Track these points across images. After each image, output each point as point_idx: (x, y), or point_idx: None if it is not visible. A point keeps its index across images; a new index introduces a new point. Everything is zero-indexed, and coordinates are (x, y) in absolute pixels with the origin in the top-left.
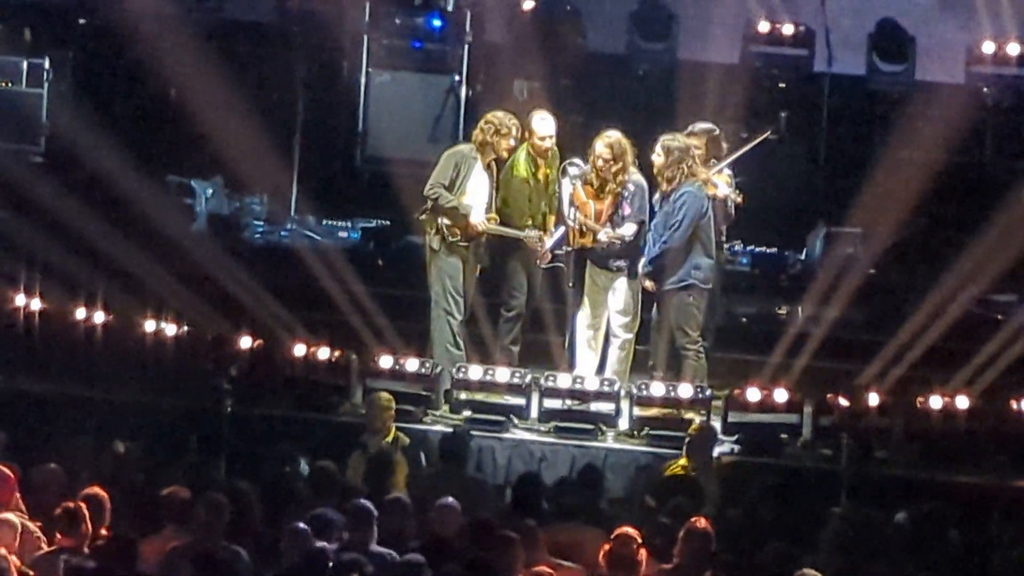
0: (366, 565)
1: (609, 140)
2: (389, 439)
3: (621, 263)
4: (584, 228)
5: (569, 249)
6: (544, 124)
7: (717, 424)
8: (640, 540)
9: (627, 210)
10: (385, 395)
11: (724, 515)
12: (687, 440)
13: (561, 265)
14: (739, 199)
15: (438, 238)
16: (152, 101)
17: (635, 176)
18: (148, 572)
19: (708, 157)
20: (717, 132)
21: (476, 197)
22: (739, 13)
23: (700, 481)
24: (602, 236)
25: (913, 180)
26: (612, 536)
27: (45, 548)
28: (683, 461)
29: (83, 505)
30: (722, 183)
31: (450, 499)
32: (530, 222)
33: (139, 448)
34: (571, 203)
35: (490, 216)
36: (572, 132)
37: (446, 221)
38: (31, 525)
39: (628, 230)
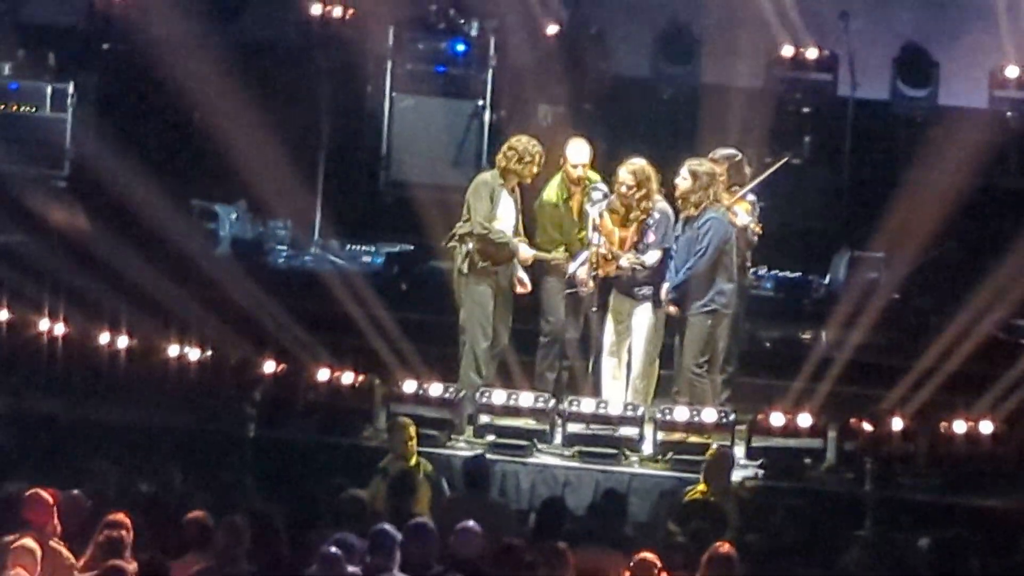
0: None
1: (633, 167)
2: (411, 464)
3: (645, 290)
4: (609, 255)
5: (595, 274)
6: (578, 152)
7: (741, 449)
8: (660, 565)
9: (651, 237)
10: (407, 420)
11: (744, 539)
12: (704, 465)
13: (584, 290)
14: (758, 229)
15: (467, 263)
16: (176, 125)
17: (660, 204)
18: None
19: (730, 183)
20: (740, 158)
21: (505, 223)
22: (763, 37)
23: (720, 505)
24: (624, 262)
25: (937, 204)
26: (632, 562)
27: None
28: (701, 486)
29: (124, 535)
30: (742, 212)
31: (471, 522)
32: (562, 249)
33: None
34: (595, 229)
35: (520, 240)
36: (596, 156)
37: (475, 246)
38: (64, 550)
39: (651, 257)
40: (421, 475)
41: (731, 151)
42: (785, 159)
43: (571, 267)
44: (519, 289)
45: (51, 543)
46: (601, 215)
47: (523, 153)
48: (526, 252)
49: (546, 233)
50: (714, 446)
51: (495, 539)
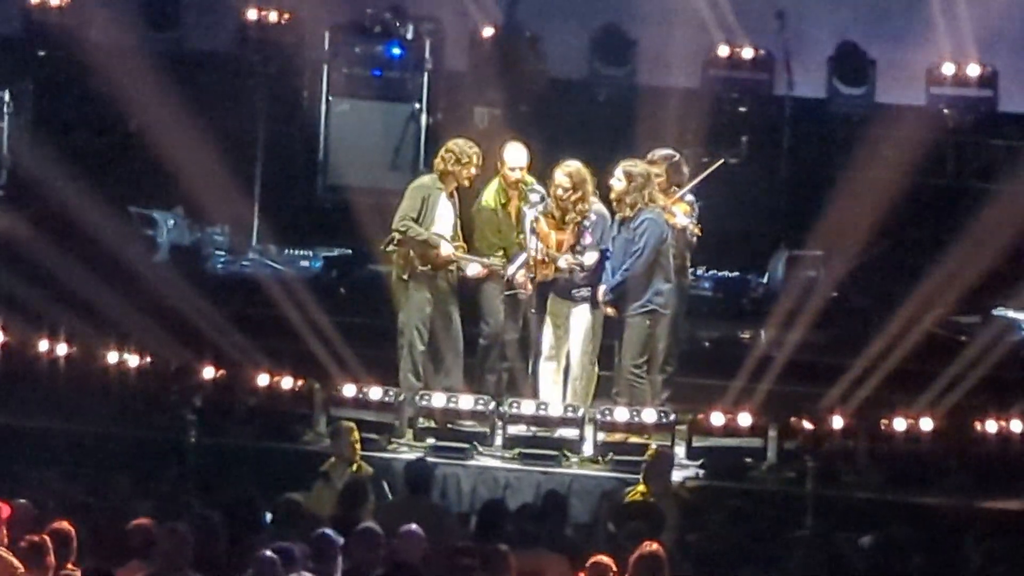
0: None
1: (569, 169)
2: (354, 468)
3: (583, 292)
4: (546, 258)
5: (532, 276)
6: (515, 155)
7: (681, 449)
8: (615, 568)
9: (588, 239)
10: (351, 424)
11: (685, 540)
12: (644, 466)
13: (524, 292)
14: (697, 230)
15: (406, 269)
16: (113, 132)
17: (596, 205)
18: None
19: (669, 184)
20: (678, 158)
21: (442, 226)
22: (699, 38)
23: (660, 506)
24: (562, 263)
25: (874, 202)
26: (587, 564)
27: None
28: (642, 487)
29: (48, 539)
30: (680, 213)
31: (414, 526)
32: (500, 253)
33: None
34: (532, 232)
35: (457, 245)
36: (533, 158)
37: (414, 252)
38: (12, 559)
39: (589, 258)
40: (365, 478)
41: (669, 151)
42: (721, 160)
43: (509, 270)
44: (517, 292)
45: None
46: (537, 219)
47: (460, 155)
48: (447, 249)
49: (484, 237)
50: (653, 446)
51: (437, 542)
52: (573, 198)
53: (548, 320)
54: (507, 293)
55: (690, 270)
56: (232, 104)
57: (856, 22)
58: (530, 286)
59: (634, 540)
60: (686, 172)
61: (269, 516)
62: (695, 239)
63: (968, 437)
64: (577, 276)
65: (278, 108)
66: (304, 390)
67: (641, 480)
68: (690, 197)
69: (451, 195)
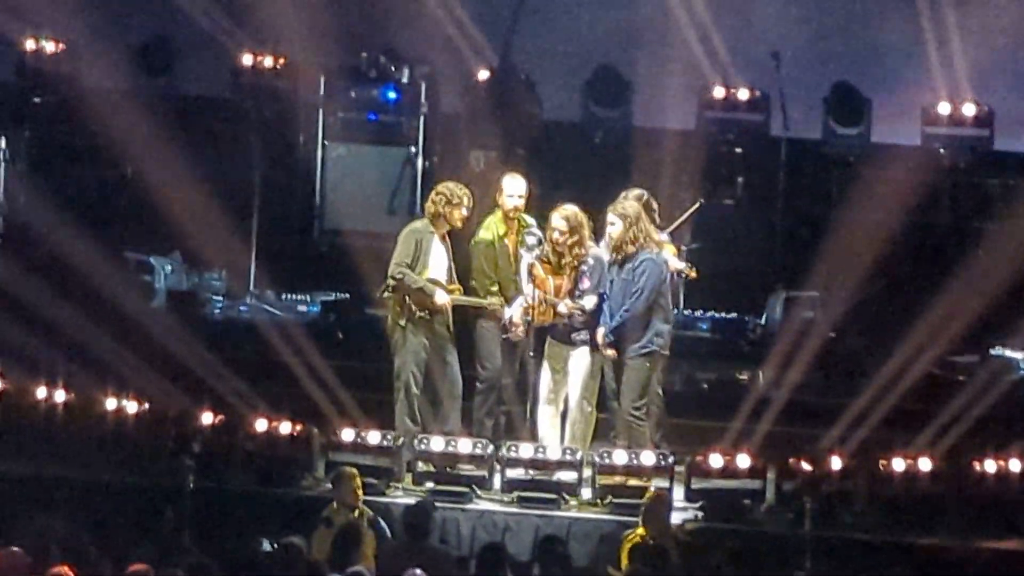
0: None
1: (566, 213)
2: (356, 513)
3: (581, 335)
4: (544, 304)
5: (530, 320)
6: (514, 183)
7: (680, 491)
8: None
9: (586, 283)
10: (352, 470)
11: None
12: (642, 508)
13: (515, 335)
14: (693, 273)
15: (403, 314)
16: (109, 178)
17: (593, 249)
18: None
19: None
20: (647, 197)
21: (437, 271)
22: (694, 79)
23: (662, 548)
24: (562, 308)
25: (871, 242)
26: None
27: None
28: (640, 530)
29: None
30: (671, 256)
31: (417, 571)
32: (496, 288)
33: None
34: (529, 279)
35: (452, 287)
36: (529, 201)
37: (410, 297)
38: None
39: (589, 302)
40: (365, 523)
41: (639, 191)
42: (696, 205)
43: (506, 313)
44: (511, 335)
45: None
46: (533, 264)
47: (451, 196)
48: (442, 298)
49: (481, 273)
50: (652, 489)
51: None
52: (570, 242)
53: (546, 364)
54: (504, 336)
55: (685, 312)
56: (228, 149)
57: (851, 62)
58: (522, 331)
59: None
60: (656, 208)
61: (267, 544)
62: (683, 279)
63: (967, 477)
64: (576, 320)
65: (274, 152)
66: (302, 435)
67: (640, 522)
68: (664, 237)
69: (444, 238)
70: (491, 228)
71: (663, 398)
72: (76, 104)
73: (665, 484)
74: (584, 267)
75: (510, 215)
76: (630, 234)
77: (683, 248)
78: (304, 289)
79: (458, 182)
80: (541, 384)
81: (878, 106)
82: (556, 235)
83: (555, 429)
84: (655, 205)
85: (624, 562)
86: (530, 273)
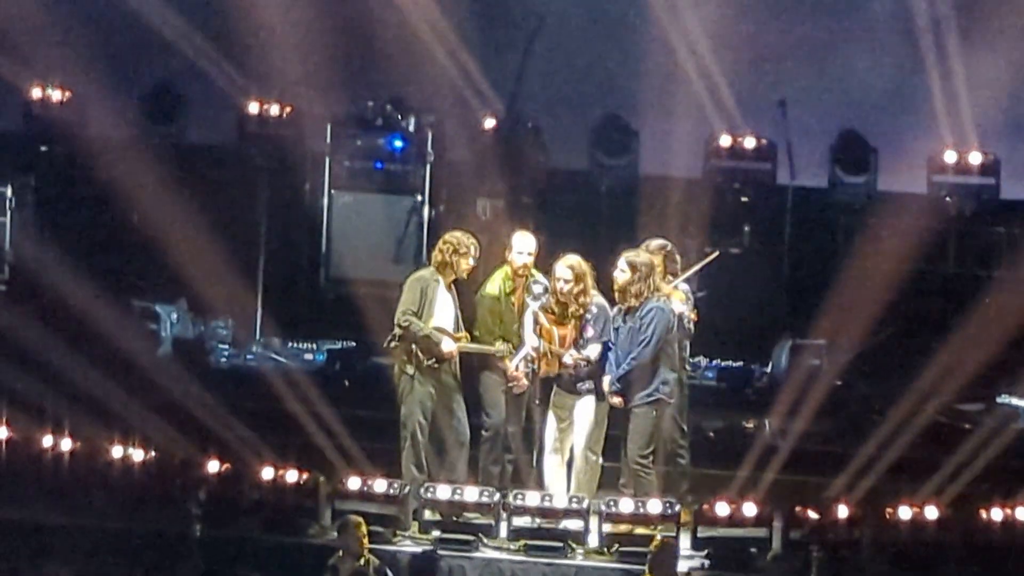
0: None
1: (570, 263)
2: (363, 561)
3: (587, 384)
4: (549, 354)
5: (535, 369)
6: (523, 240)
7: (686, 539)
8: None
9: (590, 332)
10: (358, 518)
11: None
12: (649, 556)
13: (517, 387)
14: (694, 316)
15: (411, 364)
16: (115, 226)
17: (597, 298)
18: None
19: (664, 273)
20: (670, 247)
21: (443, 319)
22: (700, 127)
23: None
24: (567, 359)
25: (877, 290)
26: None
27: None
28: None
29: None
30: (677, 301)
31: None
32: (499, 343)
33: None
34: (534, 329)
35: (460, 335)
36: (538, 246)
37: (417, 345)
38: None
39: (593, 351)
40: (371, 571)
41: (662, 241)
42: (715, 254)
43: (513, 361)
44: (514, 388)
45: None
46: (537, 315)
47: (458, 245)
48: (448, 346)
49: (485, 325)
50: (659, 537)
51: None
52: (575, 291)
53: (551, 412)
54: (510, 384)
55: (691, 360)
56: (234, 197)
57: (857, 110)
58: (525, 381)
59: None
60: (679, 261)
61: None
62: (692, 326)
63: (973, 525)
64: (581, 370)
65: (280, 201)
66: (309, 483)
67: (647, 570)
68: (684, 286)
69: (450, 287)
70: (498, 283)
71: (689, 450)
72: (82, 152)
73: (671, 532)
74: (588, 315)
75: (519, 272)
76: (635, 288)
77: (689, 298)
78: (310, 337)
79: (465, 231)
80: (547, 433)
81: (884, 154)
82: (561, 284)
83: (561, 477)
84: (677, 257)
85: None
86: (535, 323)
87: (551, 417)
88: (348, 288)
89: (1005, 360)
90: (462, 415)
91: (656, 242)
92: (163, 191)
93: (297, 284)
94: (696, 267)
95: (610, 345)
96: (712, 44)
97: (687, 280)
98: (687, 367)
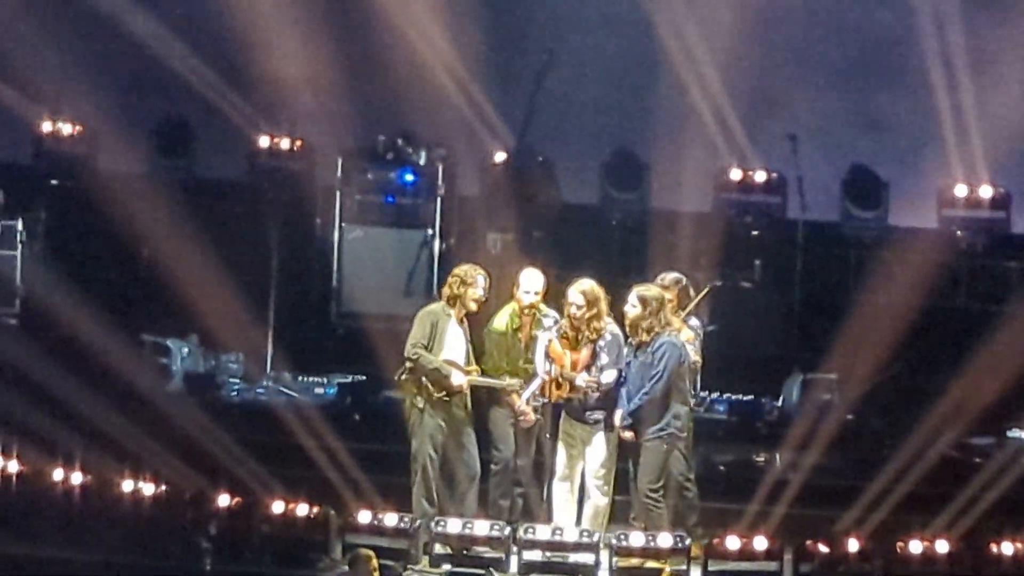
0: None
1: (583, 287)
2: None
3: (598, 415)
4: (561, 379)
5: (545, 401)
6: (531, 279)
7: (697, 573)
8: None
9: (604, 359)
10: (369, 552)
11: None
12: None
13: (525, 422)
14: (698, 357)
15: (422, 397)
16: (125, 261)
17: (611, 326)
18: None
19: (678, 308)
20: (685, 282)
21: (453, 352)
22: (711, 161)
23: None
24: (580, 381)
25: (888, 325)
26: None
27: None
28: None
29: None
30: (685, 341)
31: None
32: (508, 377)
33: None
34: (546, 356)
35: (470, 369)
36: (547, 283)
37: (427, 378)
38: None
39: (608, 376)
40: None
41: (677, 275)
42: (709, 288)
43: (524, 394)
44: (522, 422)
45: None
46: (550, 341)
47: (466, 276)
48: (458, 379)
49: (492, 360)
50: (667, 570)
51: None
52: (588, 315)
53: (561, 440)
54: (518, 418)
55: (699, 395)
56: (245, 231)
57: (868, 144)
58: (533, 416)
59: None
60: (692, 295)
61: None
62: (698, 367)
63: (984, 559)
64: (592, 397)
65: (291, 235)
66: (319, 517)
67: None
68: (696, 322)
69: (461, 321)
70: (506, 319)
71: (696, 483)
72: (93, 186)
73: (682, 566)
74: (602, 342)
75: (525, 311)
76: (646, 323)
77: (699, 335)
78: (321, 371)
79: (473, 264)
80: (557, 461)
81: (895, 189)
82: (574, 309)
83: (571, 505)
84: (692, 291)
85: None
86: (547, 351)
87: (560, 447)
88: (359, 322)
89: (1016, 394)
90: (472, 448)
91: (671, 276)
92: (174, 225)
93: (308, 318)
94: (694, 301)
95: (623, 376)
96: (723, 78)
97: (694, 315)
98: (693, 399)
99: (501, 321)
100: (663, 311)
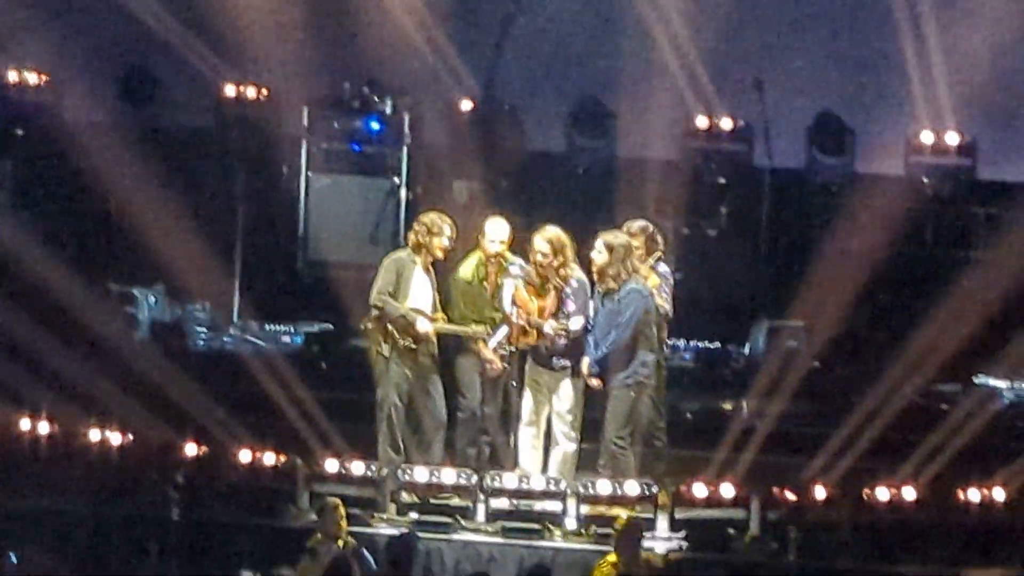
0: None
1: (548, 235)
2: (341, 544)
3: (564, 362)
4: (528, 326)
5: (512, 349)
6: (496, 228)
7: (664, 521)
8: None
9: (571, 306)
10: (336, 500)
11: None
12: (615, 536)
13: (492, 370)
14: (667, 306)
15: (388, 345)
16: (92, 210)
17: (577, 272)
18: None
19: (646, 255)
20: (652, 229)
21: (419, 300)
22: (677, 109)
23: None
24: (547, 328)
25: (855, 272)
26: None
27: None
28: (612, 558)
29: None
30: (652, 288)
31: None
32: (475, 325)
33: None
34: (513, 303)
35: (437, 316)
36: (513, 231)
37: (393, 326)
38: None
39: (575, 323)
40: (349, 554)
41: (644, 223)
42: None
43: (491, 342)
44: (489, 370)
45: None
46: (516, 288)
47: (431, 225)
48: (424, 327)
49: (458, 309)
50: (623, 516)
51: None
52: (555, 264)
53: (527, 387)
54: (485, 367)
55: (667, 343)
56: (211, 180)
57: (835, 92)
58: (499, 364)
59: None
60: (660, 242)
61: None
62: (669, 313)
63: (951, 506)
64: (559, 343)
65: (257, 184)
66: (286, 466)
67: (613, 550)
68: (664, 268)
69: (427, 268)
70: (471, 268)
71: (666, 431)
72: (58, 136)
73: (649, 514)
74: (568, 289)
75: (491, 260)
76: (612, 269)
77: (668, 279)
78: (288, 320)
79: (439, 211)
80: (523, 407)
81: (862, 136)
82: (539, 257)
83: (537, 451)
84: (659, 238)
85: None
86: (513, 298)
87: (527, 392)
88: (325, 270)
89: (982, 341)
90: (439, 397)
91: (637, 223)
92: (140, 174)
93: (274, 267)
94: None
95: (590, 323)
96: (689, 25)
97: (663, 261)
98: (665, 348)
99: (467, 270)
100: (629, 258)
